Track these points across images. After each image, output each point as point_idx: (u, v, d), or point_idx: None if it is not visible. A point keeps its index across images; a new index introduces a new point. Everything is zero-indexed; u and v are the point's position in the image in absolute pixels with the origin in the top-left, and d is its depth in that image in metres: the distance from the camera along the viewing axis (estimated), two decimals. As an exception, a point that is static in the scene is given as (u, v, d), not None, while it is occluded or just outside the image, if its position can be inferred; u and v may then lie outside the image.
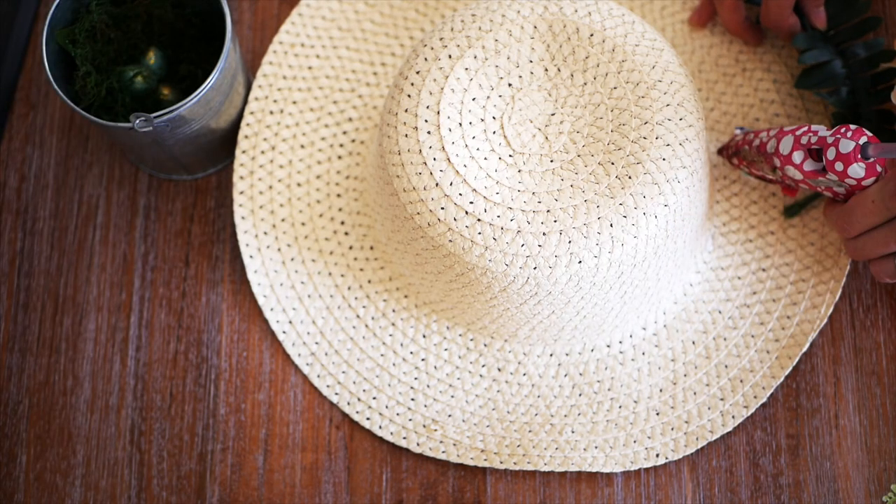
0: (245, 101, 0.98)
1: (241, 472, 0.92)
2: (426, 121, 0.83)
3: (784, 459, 0.91)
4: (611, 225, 0.81)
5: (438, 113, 0.83)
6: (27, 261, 0.97)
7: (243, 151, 0.97)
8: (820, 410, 0.92)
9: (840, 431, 0.92)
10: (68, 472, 0.93)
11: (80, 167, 0.99)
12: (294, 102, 0.98)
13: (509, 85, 0.84)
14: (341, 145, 0.97)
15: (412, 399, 0.92)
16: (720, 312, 0.93)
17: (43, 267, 0.97)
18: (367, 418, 0.92)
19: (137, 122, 0.86)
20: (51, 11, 0.89)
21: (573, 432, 0.91)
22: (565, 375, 0.92)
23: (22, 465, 0.93)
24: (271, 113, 0.98)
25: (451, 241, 0.82)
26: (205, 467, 0.92)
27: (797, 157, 0.84)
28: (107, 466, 0.93)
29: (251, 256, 0.95)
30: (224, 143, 0.97)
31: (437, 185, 0.82)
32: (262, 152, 0.97)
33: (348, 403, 0.92)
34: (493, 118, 0.84)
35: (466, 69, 0.84)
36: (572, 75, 0.84)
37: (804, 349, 0.91)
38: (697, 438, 0.91)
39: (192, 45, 0.95)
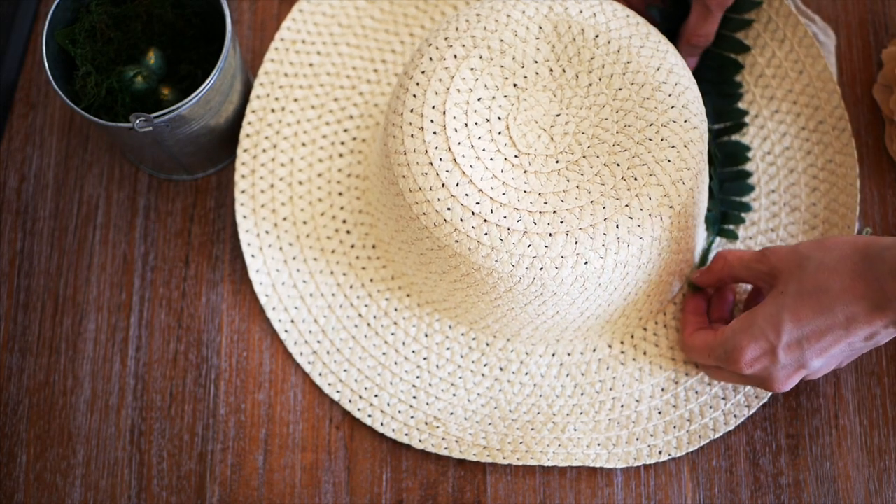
0: (245, 101, 0.98)
1: (241, 472, 0.92)
2: (432, 121, 0.83)
3: (784, 459, 0.91)
4: (617, 226, 0.81)
5: (444, 113, 0.83)
6: (27, 261, 0.97)
7: (245, 150, 0.97)
8: (820, 410, 0.92)
9: (840, 431, 0.92)
10: (68, 472, 0.93)
11: (80, 167, 0.99)
12: (295, 100, 0.98)
13: (515, 85, 0.84)
14: (343, 143, 0.97)
15: (414, 397, 0.92)
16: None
17: (43, 267, 0.97)
18: (369, 416, 0.92)
19: (137, 122, 0.86)
20: (51, 11, 0.89)
21: (575, 430, 0.91)
22: (567, 375, 0.92)
23: (22, 465, 0.93)
24: (273, 111, 0.97)
25: (457, 241, 0.82)
26: (205, 467, 0.92)
27: None
28: (107, 466, 0.93)
29: (253, 256, 0.95)
30: (224, 143, 0.97)
31: (443, 185, 0.81)
32: (264, 150, 0.97)
33: (349, 401, 0.92)
34: (499, 118, 0.84)
35: (472, 69, 0.84)
36: (577, 76, 0.84)
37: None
38: (700, 437, 0.91)
39: (192, 45, 0.95)
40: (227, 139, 0.97)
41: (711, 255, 0.94)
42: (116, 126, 0.87)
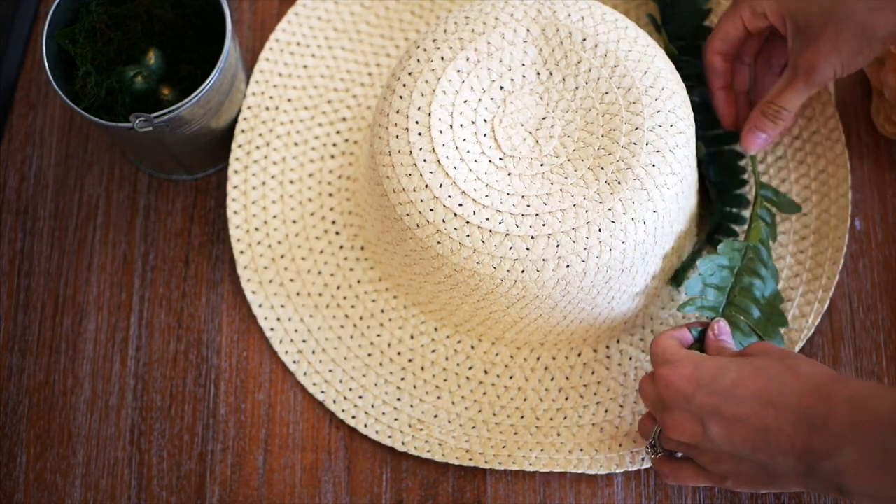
0: (244, 101, 0.98)
1: (241, 472, 0.92)
2: (417, 122, 0.83)
3: (784, 460, 0.91)
4: (599, 230, 0.80)
5: (430, 114, 0.83)
6: (27, 261, 0.97)
7: (239, 145, 0.97)
8: (820, 411, 0.92)
9: (840, 432, 0.91)
10: (68, 472, 0.93)
11: (80, 167, 0.99)
12: (289, 100, 0.98)
13: (501, 88, 0.84)
14: (335, 145, 0.97)
15: (398, 399, 0.92)
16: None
17: (43, 267, 0.97)
18: (353, 416, 0.92)
19: (137, 122, 0.86)
20: (51, 11, 0.90)
21: (559, 435, 0.91)
22: (551, 379, 0.92)
23: (22, 465, 0.93)
24: (267, 109, 0.98)
25: (439, 242, 0.82)
26: (205, 467, 0.92)
27: None
28: (107, 466, 0.93)
29: (241, 252, 0.95)
30: (224, 143, 0.97)
31: (426, 186, 0.81)
32: (258, 148, 0.97)
33: (334, 402, 0.92)
34: (485, 121, 0.84)
35: (458, 71, 0.84)
36: (564, 79, 0.84)
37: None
38: None
39: (192, 45, 0.95)
40: (227, 139, 0.97)
41: (700, 263, 0.92)
42: (116, 126, 0.87)
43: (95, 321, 0.96)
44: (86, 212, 0.98)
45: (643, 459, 0.90)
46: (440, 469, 0.92)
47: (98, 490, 0.92)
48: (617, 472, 0.90)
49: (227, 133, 0.97)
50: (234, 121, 0.97)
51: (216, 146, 0.96)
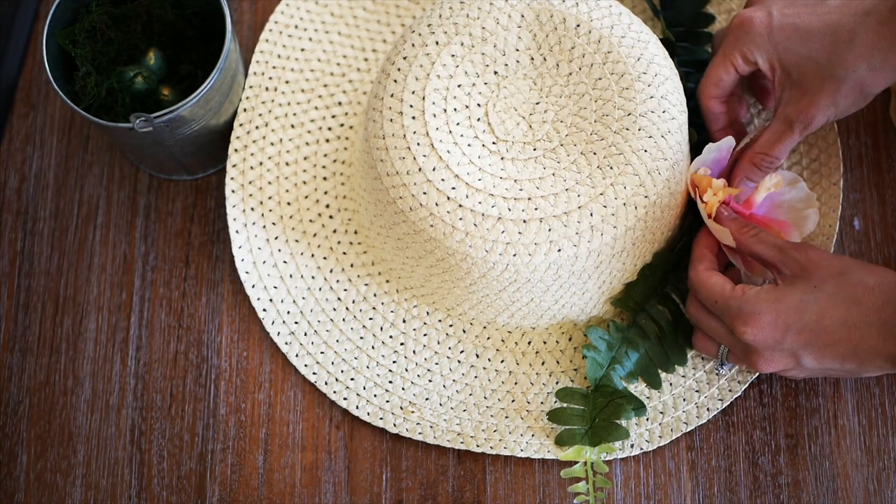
0: (245, 99, 0.98)
1: (242, 472, 0.92)
2: (411, 106, 0.83)
3: (783, 459, 0.91)
4: (591, 214, 0.81)
5: (424, 98, 0.83)
6: (27, 261, 0.97)
7: (241, 124, 0.97)
8: (819, 410, 0.92)
9: (839, 431, 0.91)
10: (68, 471, 0.93)
11: (80, 167, 0.99)
12: (287, 82, 0.98)
13: (495, 73, 0.85)
14: (330, 129, 0.97)
15: (390, 381, 0.92)
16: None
17: (43, 267, 0.97)
18: (345, 398, 0.92)
19: (137, 122, 0.86)
20: (51, 11, 0.90)
21: (549, 420, 0.91)
22: (542, 363, 0.92)
23: (22, 464, 0.93)
24: (266, 90, 0.98)
25: (432, 226, 0.82)
26: (205, 467, 0.92)
27: None
28: (107, 466, 0.93)
29: (237, 231, 0.94)
30: (224, 143, 0.97)
31: (419, 170, 0.82)
32: (257, 127, 0.97)
33: (326, 383, 0.92)
34: (478, 105, 0.84)
35: (453, 56, 0.84)
36: (558, 65, 0.85)
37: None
38: (672, 430, 0.90)
39: (192, 45, 0.95)
40: (227, 139, 0.97)
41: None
42: (116, 126, 0.87)
43: (96, 321, 0.96)
44: (86, 212, 0.98)
45: (632, 446, 0.90)
46: (440, 469, 0.92)
47: (98, 490, 0.92)
48: (606, 458, 0.90)
49: (228, 133, 0.97)
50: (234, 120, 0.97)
51: (216, 146, 0.97)
